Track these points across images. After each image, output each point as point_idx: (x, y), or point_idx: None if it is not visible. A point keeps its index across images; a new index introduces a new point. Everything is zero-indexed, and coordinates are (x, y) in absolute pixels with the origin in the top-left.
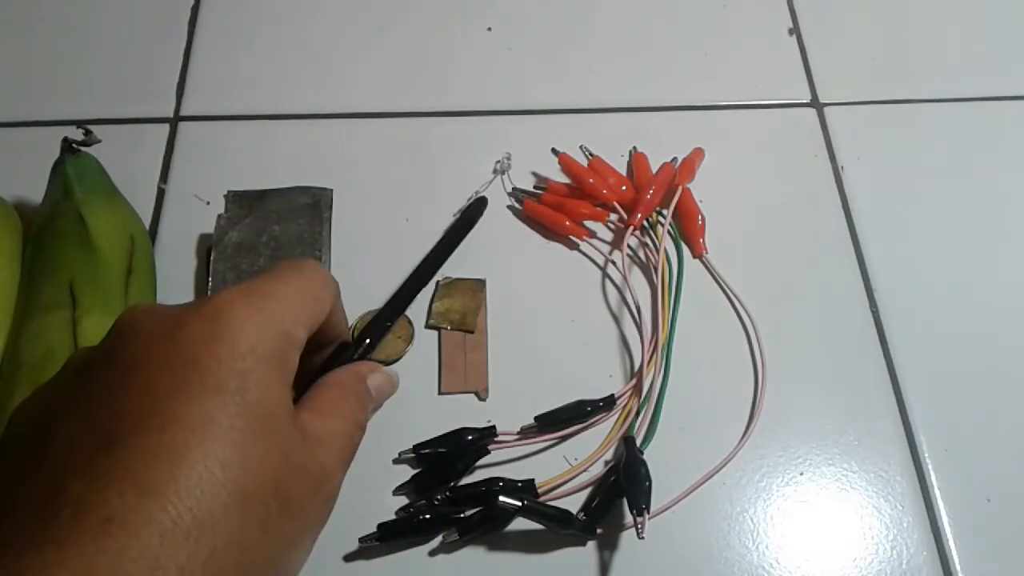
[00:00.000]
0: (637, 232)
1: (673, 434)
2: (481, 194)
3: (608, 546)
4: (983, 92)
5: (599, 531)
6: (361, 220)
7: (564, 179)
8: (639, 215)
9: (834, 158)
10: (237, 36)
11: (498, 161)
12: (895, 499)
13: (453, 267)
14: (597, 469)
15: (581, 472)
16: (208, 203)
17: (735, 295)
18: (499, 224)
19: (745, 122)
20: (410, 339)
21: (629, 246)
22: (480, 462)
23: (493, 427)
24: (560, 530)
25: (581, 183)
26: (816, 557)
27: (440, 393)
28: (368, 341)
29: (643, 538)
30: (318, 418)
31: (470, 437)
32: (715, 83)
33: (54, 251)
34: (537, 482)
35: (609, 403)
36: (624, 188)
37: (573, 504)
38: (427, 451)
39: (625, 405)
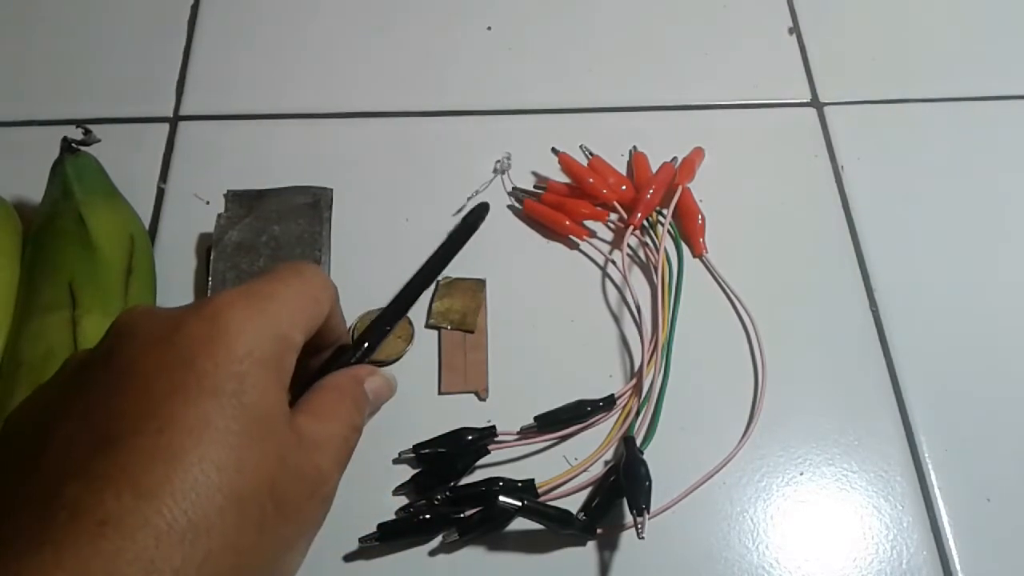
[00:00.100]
0: (637, 232)
1: (673, 434)
2: (483, 200)
3: (608, 546)
4: (983, 92)
5: (599, 531)
6: (361, 220)
7: (564, 179)
8: (639, 215)
9: (834, 158)
10: (237, 35)
11: (498, 161)
12: (895, 499)
13: (453, 267)
14: (597, 469)
15: (581, 472)
16: (208, 203)
17: (735, 295)
18: (499, 224)
19: (745, 122)
20: (410, 339)
21: (629, 246)
22: (480, 462)
23: (493, 427)
24: (560, 530)
25: (581, 183)
26: (816, 557)
27: (440, 393)
28: (367, 345)
29: (643, 538)
30: (314, 421)
31: (470, 437)
32: (715, 83)
33: (54, 251)
34: (537, 482)
35: (609, 403)
36: (624, 188)
37: (573, 504)
38: (427, 451)
39: (625, 405)
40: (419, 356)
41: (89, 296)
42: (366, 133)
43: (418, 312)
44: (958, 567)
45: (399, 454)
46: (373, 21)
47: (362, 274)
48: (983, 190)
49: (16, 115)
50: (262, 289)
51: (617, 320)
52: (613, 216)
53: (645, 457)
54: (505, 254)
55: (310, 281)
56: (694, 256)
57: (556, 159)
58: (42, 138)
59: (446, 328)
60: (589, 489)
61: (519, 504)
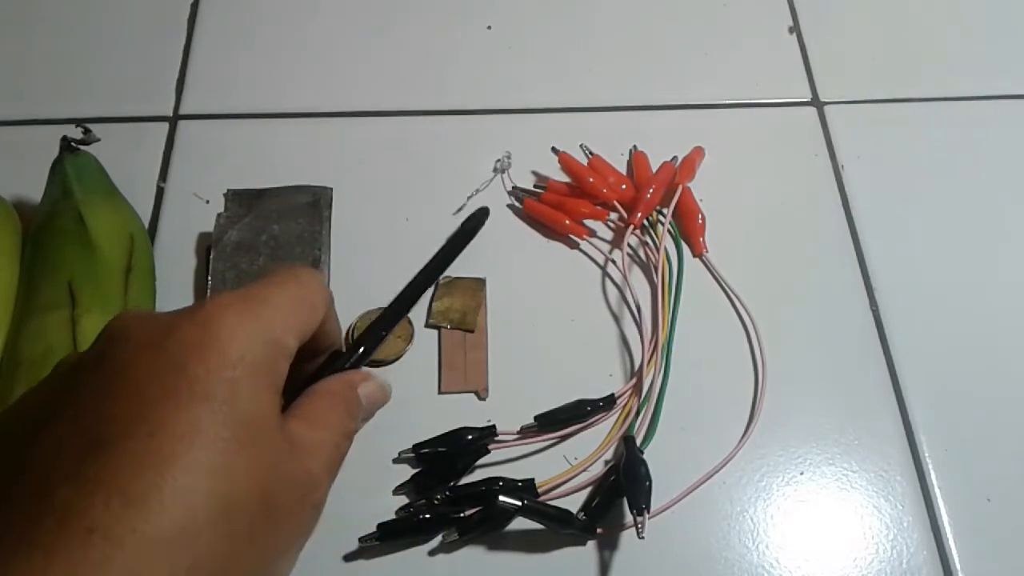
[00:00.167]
0: (637, 231)
1: (673, 434)
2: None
3: (608, 546)
4: (984, 91)
5: (599, 531)
6: (361, 219)
7: (564, 178)
8: (639, 214)
9: (834, 157)
10: (236, 35)
11: (498, 160)
12: (895, 499)
13: (453, 266)
14: (597, 469)
15: (581, 472)
16: (207, 202)
17: (735, 294)
18: (499, 223)
19: (745, 121)
20: (410, 338)
21: (629, 245)
22: (480, 462)
23: (493, 427)
24: (560, 530)
25: (581, 182)
26: (816, 557)
27: (440, 392)
28: (362, 350)
29: (643, 538)
30: (306, 427)
31: (470, 437)
32: (715, 82)
33: (53, 250)
34: (537, 482)
35: (609, 403)
36: (624, 187)
37: (573, 504)
38: (427, 451)
39: (625, 405)
40: (419, 356)
41: (89, 295)
42: (366, 132)
43: (418, 311)
44: (958, 567)
45: (399, 454)
46: (373, 21)
47: (362, 273)
48: (983, 190)
49: (16, 114)
50: (256, 294)
51: (617, 320)
52: (613, 215)
53: (645, 457)
54: (505, 253)
55: (306, 286)
56: (694, 256)
57: (556, 158)
58: (42, 137)
59: (446, 327)
60: (589, 489)
61: (519, 504)
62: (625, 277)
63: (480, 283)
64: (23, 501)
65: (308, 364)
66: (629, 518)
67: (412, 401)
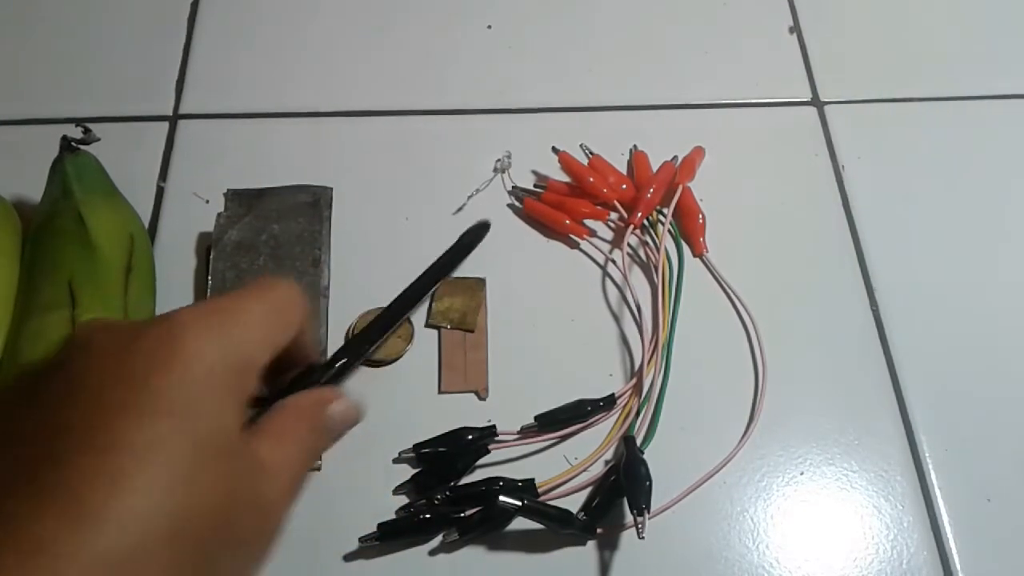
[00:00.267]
0: (637, 231)
1: (673, 434)
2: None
3: (608, 546)
4: (984, 91)
5: (599, 531)
6: (361, 219)
7: (564, 178)
8: (639, 214)
9: (835, 157)
10: (236, 34)
11: (498, 160)
12: (895, 499)
13: None
14: (597, 469)
15: (581, 472)
16: (207, 201)
17: (735, 294)
18: (499, 223)
19: (745, 121)
20: (410, 338)
21: (629, 245)
22: (480, 462)
23: (493, 427)
24: (560, 530)
25: (581, 182)
26: (816, 557)
27: (440, 392)
28: (338, 365)
29: (643, 538)
30: (270, 444)
31: (470, 437)
32: (715, 82)
33: (54, 250)
34: (537, 482)
35: (609, 403)
36: (624, 187)
37: (573, 504)
38: (427, 451)
39: (625, 405)
40: (419, 355)
41: (89, 295)
42: (366, 132)
43: (418, 311)
44: (958, 567)
45: (399, 454)
46: (373, 21)
47: (362, 273)
48: (983, 190)
49: (16, 114)
50: (226, 306)
51: (617, 319)
52: (613, 215)
53: (645, 457)
54: (505, 253)
55: (279, 299)
56: (694, 255)
57: (556, 158)
58: (42, 137)
59: (446, 327)
60: (589, 489)
61: (519, 504)
62: (625, 277)
63: (480, 283)
64: None
65: (283, 376)
66: (629, 518)
67: (412, 401)
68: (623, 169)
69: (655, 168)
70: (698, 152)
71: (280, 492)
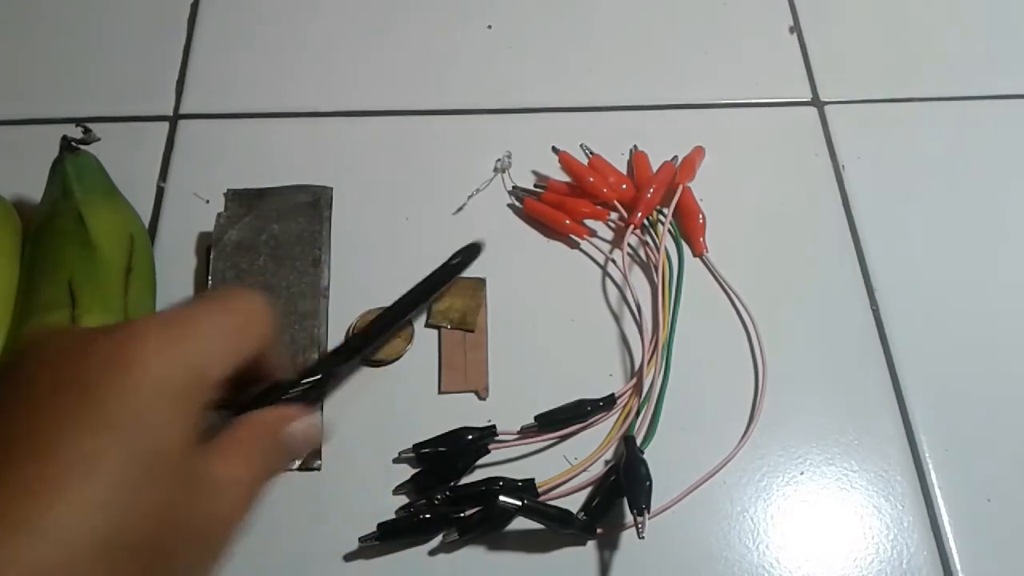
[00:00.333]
0: (637, 231)
1: (673, 434)
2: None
3: (608, 546)
4: (984, 91)
5: (599, 531)
6: (361, 219)
7: (564, 178)
8: (639, 214)
9: (835, 157)
10: (237, 34)
11: (498, 159)
12: (895, 499)
13: None
14: (597, 469)
15: (581, 472)
16: (208, 201)
17: (735, 294)
18: (499, 223)
19: (746, 121)
20: (410, 338)
21: (629, 245)
22: (480, 462)
23: (493, 426)
24: (560, 530)
25: (581, 182)
26: (816, 557)
27: (440, 392)
28: (305, 383)
29: (643, 538)
30: (224, 460)
31: (470, 436)
32: (715, 82)
33: (54, 250)
34: (537, 482)
35: (609, 402)
36: (624, 187)
37: (573, 504)
38: (427, 450)
39: (625, 404)
40: (419, 355)
41: (89, 295)
42: (366, 132)
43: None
44: (958, 567)
45: (399, 454)
46: (373, 21)
47: (362, 273)
48: (983, 190)
49: (16, 114)
50: (184, 317)
51: (617, 319)
52: (613, 215)
53: (645, 457)
54: (505, 253)
55: (241, 311)
56: (694, 255)
57: (556, 158)
58: (42, 137)
59: (446, 327)
60: (589, 489)
61: (519, 504)
62: (625, 277)
63: (480, 283)
64: None
65: (249, 390)
66: (629, 518)
67: (412, 401)
68: (623, 169)
69: (655, 168)
70: (698, 152)
71: (230, 509)
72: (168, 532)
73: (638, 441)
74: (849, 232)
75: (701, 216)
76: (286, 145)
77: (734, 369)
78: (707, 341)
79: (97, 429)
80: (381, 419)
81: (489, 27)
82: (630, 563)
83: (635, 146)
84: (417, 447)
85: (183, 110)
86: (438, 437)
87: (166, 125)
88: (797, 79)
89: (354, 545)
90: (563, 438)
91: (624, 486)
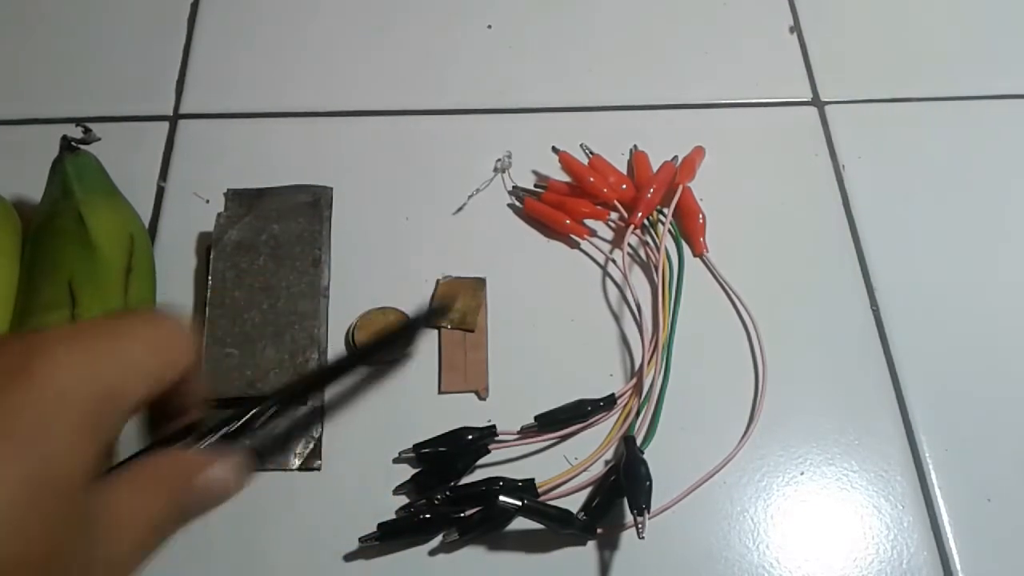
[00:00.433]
0: (638, 231)
1: (673, 434)
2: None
3: (608, 546)
4: (984, 91)
5: (599, 531)
6: (361, 218)
7: (565, 177)
8: (640, 214)
9: (835, 157)
10: (237, 34)
11: (498, 159)
12: (895, 499)
13: (454, 266)
14: (597, 469)
15: (581, 472)
16: (208, 201)
17: (735, 294)
18: (499, 223)
19: (746, 121)
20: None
21: (629, 245)
22: (480, 462)
23: (493, 427)
24: (560, 530)
25: (582, 182)
26: (816, 557)
27: (440, 392)
28: (222, 432)
29: (643, 538)
30: (125, 500)
31: (470, 437)
32: (715, 82)
33: (54, 250)
34: (537, 482)
35: (609, 402)
36: (625, 187)
37: (573, 504)
38: (427, 451)
39: (625, 404)
40: (419, 355)
41: (89, 295)
42: (366, 132)
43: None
44: (958, 567)
45: (399, 454)
46: (373, 21)
47: (362, 273)
48: (983, 189)
49: (16, 113)
50: (98, 330)
51: (617, 319)
52: (613, 215)
53: (645, 457)
54: (505, 253)
55: (161, 334)
56: (695, 255)
57: (556, 158)
58: (42, 136)
59: (446, 327)
60: (589, 489)
61: (519, 504)
62: (625, 277)
63: (480, 283)
64: None
65: (168, 424)
66: (629, 518)
67: (412, 401)
68: (623, 169)
69: (655, 168)
70: (698, 152)
71: (120, 555)
72: (57, 565)
73: (638, 441)
74: (849, 232)
75: (701, 216)
76: (286, 145)
77: (734, 369)
78: (707, 341)
79: None
80: (381, 419)
81: (489, 27)
82: (630, 563)
83: (635, 146)
84: (417, 447)
85: (183, 110)
86: (438, 437)
87: (166, 125)
88: (797, 79)
89: (354, 545)
90: (563, 438)
91: (624, 486)
